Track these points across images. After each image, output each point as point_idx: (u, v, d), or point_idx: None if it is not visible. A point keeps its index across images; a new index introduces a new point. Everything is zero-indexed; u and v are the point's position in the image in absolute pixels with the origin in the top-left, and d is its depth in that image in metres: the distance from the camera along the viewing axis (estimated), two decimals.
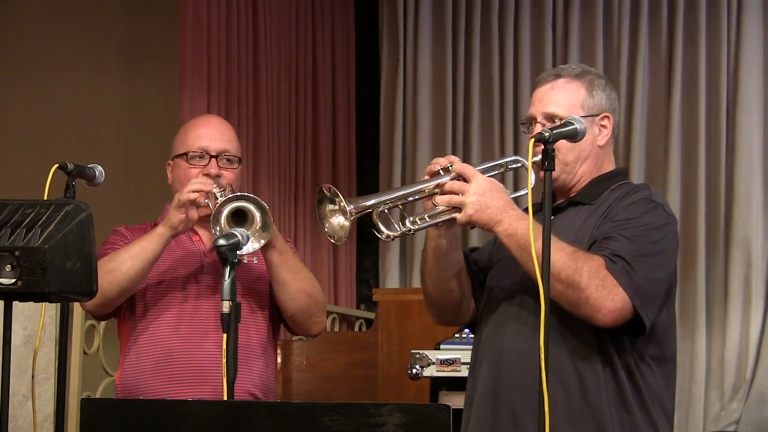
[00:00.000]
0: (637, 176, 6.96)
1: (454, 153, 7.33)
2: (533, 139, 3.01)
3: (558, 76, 3.36)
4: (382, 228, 3.14)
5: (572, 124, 3.06)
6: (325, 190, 3.14)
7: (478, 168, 3.18)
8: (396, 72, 7.51)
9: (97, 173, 3.68)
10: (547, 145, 3.00)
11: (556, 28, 7.29)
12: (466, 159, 7.31)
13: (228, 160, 3.78)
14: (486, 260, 3.43)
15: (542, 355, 2.85)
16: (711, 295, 6.85)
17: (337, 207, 3.12)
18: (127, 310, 3.75)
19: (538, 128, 3.28)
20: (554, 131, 3.02)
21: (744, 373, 6.65)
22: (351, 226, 3.12)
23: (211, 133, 3.80)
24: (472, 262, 3.43)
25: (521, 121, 3.41)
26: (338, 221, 3.13)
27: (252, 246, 3.47)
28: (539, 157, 3.08)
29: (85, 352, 5.24)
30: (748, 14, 6.90)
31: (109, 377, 5.33)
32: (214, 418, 2.61)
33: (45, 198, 3.27)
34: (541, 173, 3.06)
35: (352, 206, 3.09)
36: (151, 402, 3.05)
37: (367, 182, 7.48)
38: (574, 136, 3.07)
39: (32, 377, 3.65)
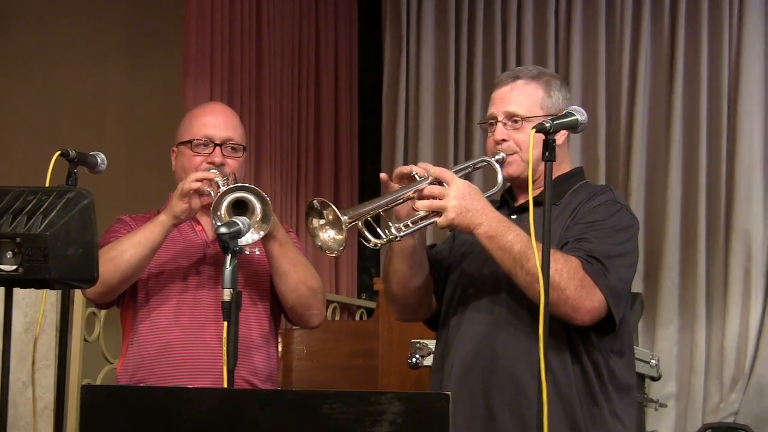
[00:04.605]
0: (638, 168, 6.99)
1: (455, 143, 7.39)
2: (534, 130, 3.03)
3: (516, 77, 3.40)
4: (370, 237, 3.16)
5: (573, 114, 3.09)
6: (316, 204, 3.13)
7: (445, 173, 3.18)
8: (399, 61, 7.52)
9: (99, 161, 3.68)
10: (548, 135, 3.02)
11: (559, 17, 7.29)
12: (468, 149, 7.36)
13: (232, 148, 3.77)
14: (447, 257, 3.46)
15: (541, 355, 2.88)
16: (711, 286, 6.87)
17: (327, 220, 3.11)
18: (130, 298, 3.75)
19: (500, 127, 3.33)
20: (555, 122, 3.04)
21: (743, 365, 6.66)
22: (344, 237, 3.10)
23: (215, 122, 3.78)
24: (434, 259, 3.45)
25: (480, 122, 3.45)
26: (330, 234, 3.12)
27: (252, 236, 3.45)
28: (501, 155, 3.25)
29: (85, 340, 5.25)
30: (750, 5, 6.91)
31: (109, 365, 5.34)
32: (215, 406, 2.61)
33: (47, 185, 3.28)
34: (505, 170, 3.25)
35: (346, 217, 3.08)
36: (151, 389, 3.05)
37: (369, 171, 7.48)
38: (575, 127, 3.10)
39: (32, 364, 3.66)
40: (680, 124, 6.99)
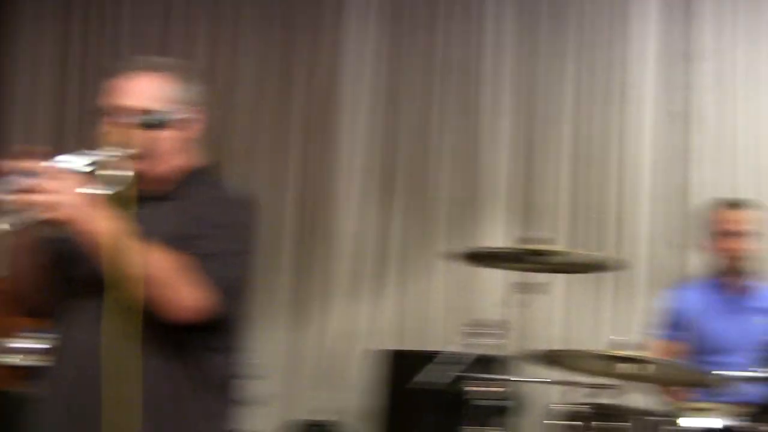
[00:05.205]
0: (259, 167, 7.15)
1: (71, 137, 7.27)
2: (141, 125, 3.06)
3: (143, 68, 3.29)
4: None
5: (164, 112, 3.11)
6: None
7: (60, 168, 3.07)
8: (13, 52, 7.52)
9: None
10: (143, 133, 3.06)
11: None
12: (86, 143, 7.27)
13: None
14: (63, 253, 3.31)
15: (108, 352, 2.94)
16: (298, 289, 7.09)
17: None
18: None
19: (116, 120, 3.21)
20: (147, 119, 3.06)
21: (340, 365, 6.93)
22: None
23: None
24: (50, 254, 3.31)
25: (99, 111, 3.29)
26: None
27: None
28: (118, 150, 3.10)
29: None
30: (348, 14, 7.24)
31: None
32: None
33: None
34: (124, 165, 3.08)
35: None
36: None
37: None
38: (165, 125, 3.13)
39: None
40: (298, 125, 7.20)
